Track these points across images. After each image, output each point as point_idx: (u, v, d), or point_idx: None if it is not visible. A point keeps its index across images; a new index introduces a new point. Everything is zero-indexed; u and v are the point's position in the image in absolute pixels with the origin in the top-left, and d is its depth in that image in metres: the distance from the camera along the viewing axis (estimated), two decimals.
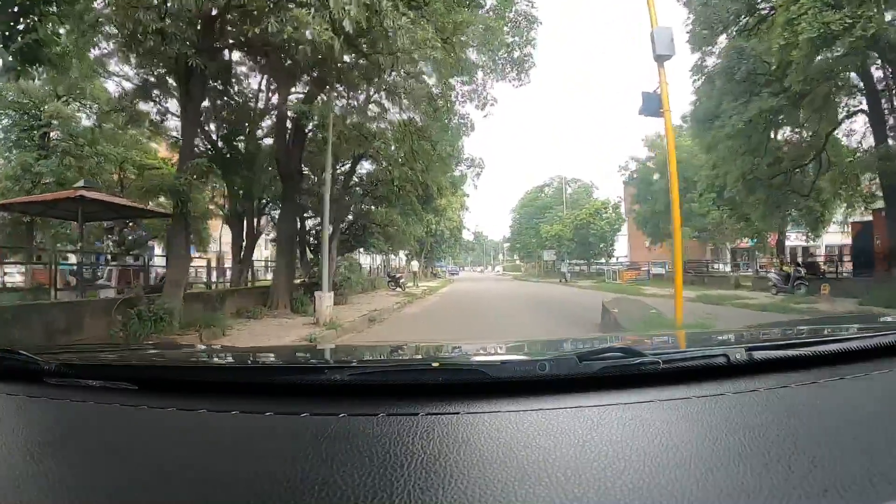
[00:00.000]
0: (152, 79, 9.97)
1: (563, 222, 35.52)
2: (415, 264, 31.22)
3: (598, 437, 0.69)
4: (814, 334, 1.28)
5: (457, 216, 40.47)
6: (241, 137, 13.27)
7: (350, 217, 16.26)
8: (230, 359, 1.33)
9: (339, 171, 15.59)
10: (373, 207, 17.72)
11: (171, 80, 9.44)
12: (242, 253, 14.51)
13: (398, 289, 21.73)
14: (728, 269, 26.88)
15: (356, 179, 16.69)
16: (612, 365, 0.85)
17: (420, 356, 1.39)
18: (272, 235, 16.98)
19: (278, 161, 12.35)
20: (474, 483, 0.56)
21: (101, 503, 0.58)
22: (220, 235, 19.67)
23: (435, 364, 0.94)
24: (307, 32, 6.37)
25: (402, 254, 42.15)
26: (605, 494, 0.55)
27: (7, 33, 4.96)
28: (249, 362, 1.26)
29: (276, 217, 14.48)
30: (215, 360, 1.32)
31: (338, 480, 0.58)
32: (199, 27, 7.90)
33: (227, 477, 0.61)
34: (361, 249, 34.94)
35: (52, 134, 15.04)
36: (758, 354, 0.91)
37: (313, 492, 0.56)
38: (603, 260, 37.40)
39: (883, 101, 13.58)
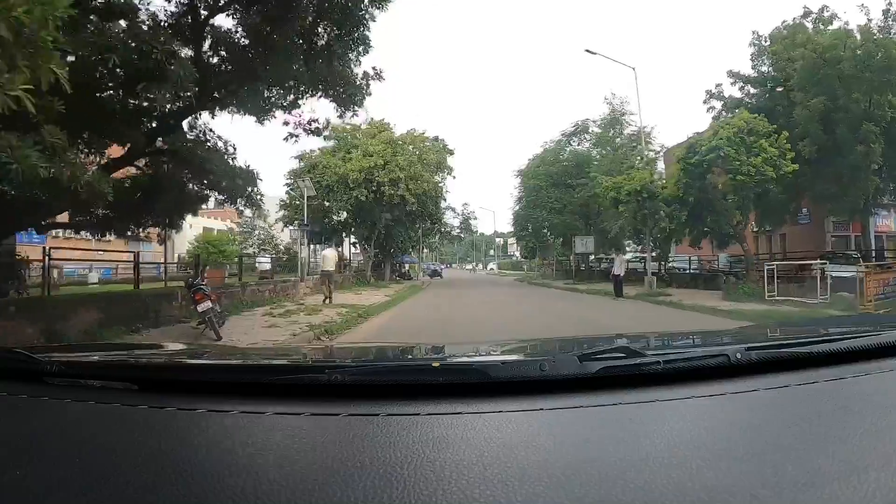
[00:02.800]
0: None
1: (649, 170, 17.24)
2: (328, 254, 14.21)
3: (599, 437, 0.69)
4: (814, 334, 1.25)
5: (430, 177, 23.68)
6: None
7: None
8: (230, 359, 1.32)
9: None
10: None
11: None
12: None
13: (203, 327, 7.08)
14: None
15: None
16: (613, 365, 0.85)
17: (421, 356, 1.38)
18: None
19: None
20: (474, 483, 0.56)
21: (101, 503, 0.57)
22: None
23: (435, 364, 0.96)
24: None
25: (348, 243, 26.58)
26: (605, 494, 0.55)
27: None
28: (249, 362, 1.24)
29: None
30: (215, 360, 1.30)
31: (338, 480, 0.58)
32: None
33: (227, 477, 0.61)
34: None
35: None
36: (758, 354, 0.91)
37: (313, 492, 0.56)
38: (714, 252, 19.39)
39: None
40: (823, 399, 0.83)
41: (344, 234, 27.61)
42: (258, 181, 9.09)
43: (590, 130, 27.56)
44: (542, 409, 0.76)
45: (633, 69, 19.73)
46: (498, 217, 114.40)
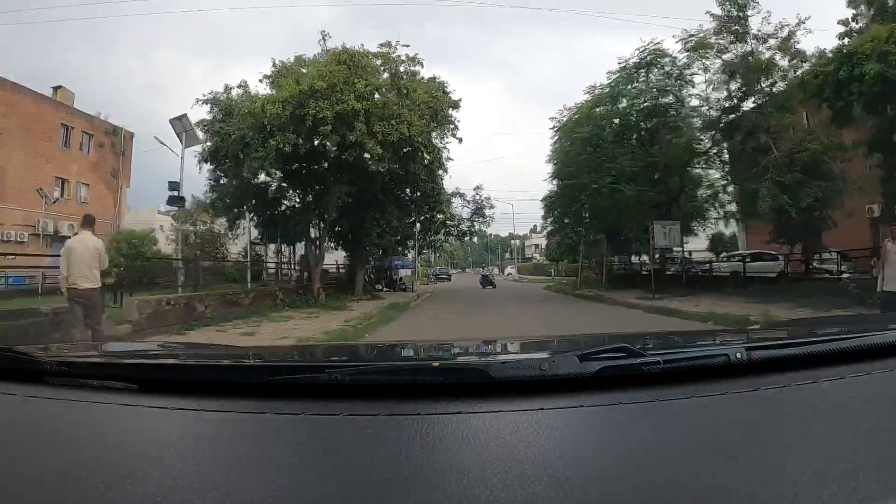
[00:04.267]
0: None
1: None
2: (77, 247, 5.30)
3: (599, 436, 0.70)
4: (814, 334, 1.24)
5: (415, 119, 12.90)
6: None
7: None
8: (230, 358, 1.31)
9: None
10: None
11: None
12: None
13: None
14: None
15: None
16: (613, 365, 0.84)
17: (420, 355, 1.40)
18: None
19: None
20: (474, 483, 0.56)
21: (101, 503, 0.57)
22: None
23: (435, 363, 0.95)
24: None
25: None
26: (605, 494, 0.55)
27: None
28: (249, 362, 1.24)
29: None
30: (215, 359, 1.29)
31: (338, 480, 0.58)
32: None
33: (227, 477, 0.61)
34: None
35: None
36: (758, 354, 0.90)
37: (314, 492, 0.56)
38: None
39: None
40: (823, 399, 0.83)
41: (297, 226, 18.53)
42: None
43: (663, 63, 17.84)
44: (541, 409, 0.76)
45: None
46: (511, 214, 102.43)
